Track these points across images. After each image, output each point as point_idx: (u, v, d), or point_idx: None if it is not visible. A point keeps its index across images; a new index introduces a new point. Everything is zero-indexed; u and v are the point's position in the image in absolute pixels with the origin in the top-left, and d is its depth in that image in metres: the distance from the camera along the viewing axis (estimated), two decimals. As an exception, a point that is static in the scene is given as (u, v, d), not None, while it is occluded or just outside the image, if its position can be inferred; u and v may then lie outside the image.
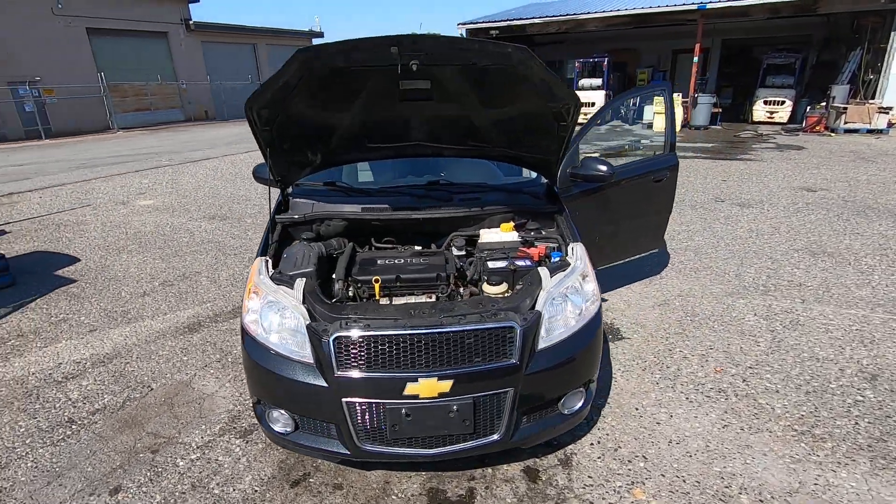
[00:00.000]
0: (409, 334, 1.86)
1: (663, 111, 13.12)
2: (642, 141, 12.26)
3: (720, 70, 20.17)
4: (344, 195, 2.66)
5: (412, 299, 2.27)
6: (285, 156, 2.42)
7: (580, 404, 2.15)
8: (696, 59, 14.34)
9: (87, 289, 4.54)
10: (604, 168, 3.01)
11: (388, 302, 2.27)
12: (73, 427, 2.66)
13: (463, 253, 2.52)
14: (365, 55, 1.83)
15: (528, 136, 2.44)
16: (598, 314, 2.18)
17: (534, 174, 2.99)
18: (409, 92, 2.11)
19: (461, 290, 2.31)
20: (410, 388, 1.84)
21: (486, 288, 2.19)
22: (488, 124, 2.34)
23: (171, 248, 5.64)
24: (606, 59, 17.08)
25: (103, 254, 5.52)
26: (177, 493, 2.19)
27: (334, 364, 1.86)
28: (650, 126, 14.41)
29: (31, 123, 19.50)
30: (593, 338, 2.12)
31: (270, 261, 2.28)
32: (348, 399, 1.88)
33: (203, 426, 2.62)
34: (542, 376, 1.97)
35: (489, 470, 2.25)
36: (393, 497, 2.13)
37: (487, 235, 2.61)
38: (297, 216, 2.58)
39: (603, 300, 3.64)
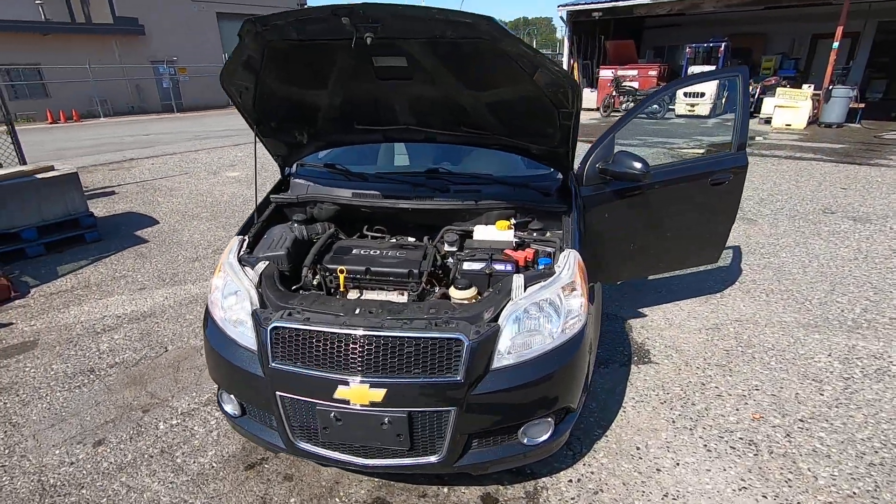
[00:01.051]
0: (345, 334, 1.71)
1: (791, 104, 11.47)
2: (756, 139, 10.81)
3: (871, 59, 17.13)
4: (340, 179, 2.56)
5: (382, 295, 2.12)
6: (275, 135, 2.36)
7: (546, 436, 1.86)
8: (835, 44, 12.26)
9: (154, 250, 4.97)
10: (638, 165, 2.59)
11: (359, 295, 2.14)
12: (91, 377, 2.89)
13: (454, 249, 2.31)
14: (318, 27, 1.67)
15: (526, 123, 2.14)
16: (582, 334, 1.87)
17: (552, 168, 2.66)
18: (384, 70, 1.93)
19: (435, 289, 2.11)
20: (341, 392, 1.70)
21: (453, 292, 1.97)
22: (479, 108, 2.08)
23: (236, 218, 6.01)
24: (723, 44, 15.25)
25: (179, 219, 6.03)
26: (145, 456, 2.27)
27: (269, 354, 1.78)
28: (768, 121, 12.67)
29: (166, 98, 22.07)
30: (569, 361, 1.82)
31: (247, 240, 2.25)
32: (281, 393, 1.78)
33: (194, 394, 2.71)
34: (494, 398, 1.72)
35: (444, 490, 2.06)
36: (336, 499, 2.02)
37: (480, 232, 2.37)
38: (291, 197, 2.53)
39: (640, 315, 3.22)
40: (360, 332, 1.70)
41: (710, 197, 3.01)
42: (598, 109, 16.25)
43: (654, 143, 10.34)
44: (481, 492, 2.05)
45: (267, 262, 2.07)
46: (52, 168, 5.13)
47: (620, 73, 16.02)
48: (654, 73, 15.80)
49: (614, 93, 15.40)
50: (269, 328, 1.78)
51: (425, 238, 2.45)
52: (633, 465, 2.16)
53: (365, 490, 2.07)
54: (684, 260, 3.24)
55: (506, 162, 2.88)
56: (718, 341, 3.09)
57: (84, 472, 2.19)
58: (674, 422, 2.41)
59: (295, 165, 2.73)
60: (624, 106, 15.40)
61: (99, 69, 19.23)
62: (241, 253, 2.15)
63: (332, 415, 1.73)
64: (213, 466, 2.21)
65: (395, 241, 2.37)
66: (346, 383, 1.70)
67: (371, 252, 2.20)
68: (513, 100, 1.99)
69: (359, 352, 1.71)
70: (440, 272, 2.21)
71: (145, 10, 20.76)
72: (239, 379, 1.88)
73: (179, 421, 2.50)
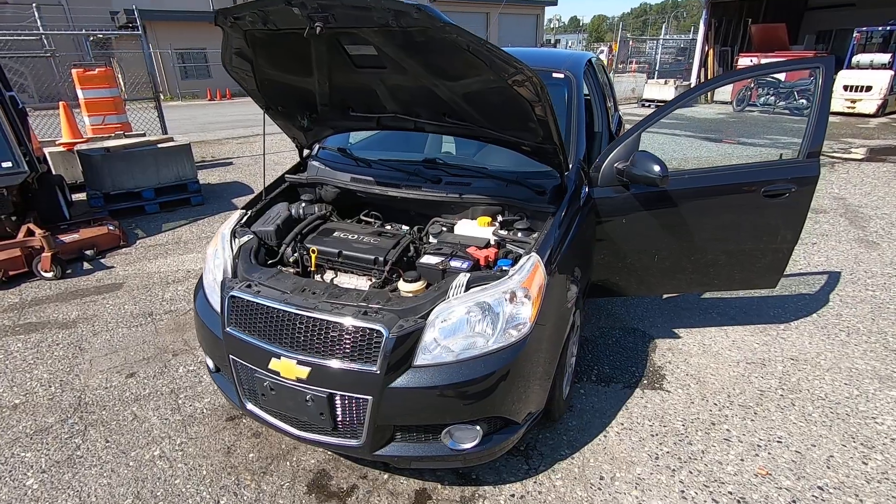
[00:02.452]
0: (282, 310, 1.81)
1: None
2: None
3: None
4: (348, 163, 2.64)
5: (353, 278, 2.19)
6: (284, 119, 2.52)
7: (471, 444, 1.79)
8: None
9: (240, 216, 5.59)
10: (656, 168, 2.31)
11: (333, 276, 2.23)
12: (148, 319, 3.39)
13: (435, 241, 2.29)
14: (279, 17, 1.74)
15: (504, 116, 2.01)
16: (522, 345, 1.75)
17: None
18: (359, 58, 1.95)
19: (397, 278, 2.11)
20: (274, 364, 1.80)
21: (401, 283, 1.96)
22: (456, 99, 2.00)
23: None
24: (908, 27, 12.52)
25: (271, 190, 6.68)
26: (157, 392, 2.63)
27: (225, 320, 1.95)
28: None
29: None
30: (502, 370, 1.72)
31: (248, 214, 2.45)
32: (233, 356, 1.95)
33: (216, 346, 3.05)
34: (412, 394, 1.70)
35: (384, 476, 2.09)
36: (288, 463, 2.16)
37: (461, 227, 2.31)
38: (301, 177, 2.68)
39: (672, 335, 2.91)
40: (293, 310, 1.79)
41: (764, 211, 2.57)
42: (730, 103, 14.44)
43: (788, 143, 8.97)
44: (418, 486, 2.04)
45: (251, 236, 2.25)
46: (171, 139, 6.00)
47: (764, 61, 13.99)
48: (807, 62, 13.53)
49: (752, 85, 13.53)
50: (227, 296, 1.94)
51: (415, 228, 2.45)
52: (587, 493, 1.99)
53: (315, 460, 2.18)
54: (729, 281, 2.81)
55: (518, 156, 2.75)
56: (756, 379, 2.66)
57: (111, 396, 2.60)
58: (657, 458, 2.15)
59: (317, 147, 2.88)
60: (762, 101, 13.49)
61: (250, 53, 21.75)
62: (237, 226, 2.35)
63: (266, 384, 1.85)
64: (202, 412, 2.48)
65: (379, 227, 2.40)
66: (279, 357, 1.80)
67: (351, 236, 2.26)
68: (483, 91, 1.88)
69: (290, 329, 1.79)
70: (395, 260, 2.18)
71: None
72: (209, 339, 2.08)
73: (195, 368, 2.84)
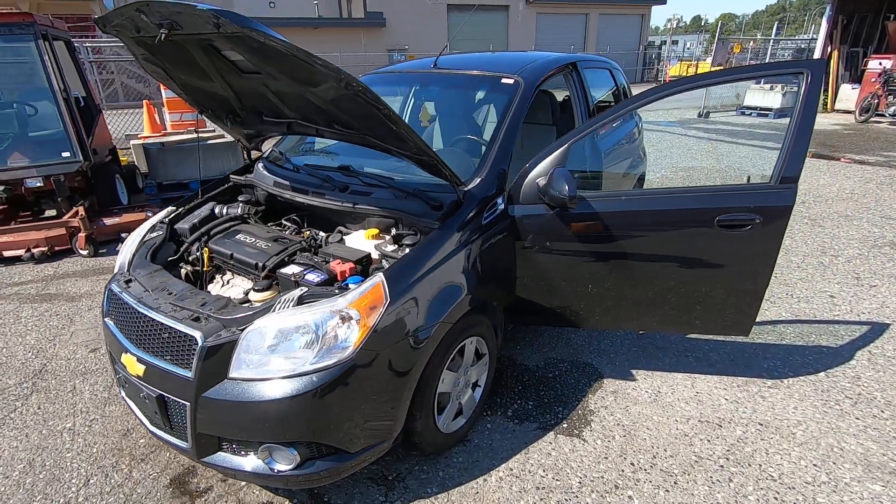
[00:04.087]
0: (133, 308, 1.87)
1: None
2: None
3: None
4: (278, 166, 2.66)
5: (241, 281, 2.21)
6: (217, 121, 2.60)
7: (287, 467, 1.71)
8: None
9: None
10: (565, 188, 2.04)
11: (230, 277, 2.26)
12: (138, 300, 3.71)
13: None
14: (141, 25, 1.79)
15: (370, 126, 1.89)
16: (343, 369, 1.63)
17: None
18: (241, 63, 1.94)
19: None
20: (123, 357, 1.87)
21: (251, 292, 1.92)
22: (329, 107, 1.92)
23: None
24: None
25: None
26: (103, 369, 2.86)
27: (102, 311, 2.06)
28: None
29: (395, 82, 25.19)
30: (314, 393, 1.62)
31: (178, 210, 2.56)
32: (108, 345, 2.05)
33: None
34: (224, 407, 1.67)
35: (241, 483, 2.07)
36: (165, 454, 2.23)
37: (352, 238, 2.22)
38: (241, 179, 2.76)
39: (625, 376, 2.60)
40: (140, 308, 1.84)
41: (720, 245, 2.16)
42: (853, 112, 12.43)
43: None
44: (266, 498, 2.00)
45: (160, 232, 2.35)
46: (222, 136, 6.54)
47: (900, 64, 11.84)
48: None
49: (880, 91, 11.54)
50: (106, 288, 2.06)
51: (312, 235, 2.35)
52: (428, 541, 1.81)
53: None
54: (684, 324, 2.40)
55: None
56: (700, 442, 2.24)
57: (67, 367, 2.88)
58: (529, 515, 1.90)
59: (271, 149, 2.94)
60: (893, 110, 11.45)
61: (347, 56, 23.06)
62: (158, 221, 2.47)
63: (119, 375, 1.92)
64: (128, 393, 2.66)
65: (278, 233, 2.36)
66: (126, 351, 1.86)
67: (250, 239, 2.27)
68: (338, 98, 1.78)
69: (136, 326, 1.85)
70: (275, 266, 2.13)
71: (388, 4, 23.88)
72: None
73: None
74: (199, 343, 1.66)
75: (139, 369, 1.81)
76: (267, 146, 2.93)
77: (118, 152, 7.20)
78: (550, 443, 2.25)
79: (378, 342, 1.70)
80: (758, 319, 3.20)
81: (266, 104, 2.24)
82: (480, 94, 2.85)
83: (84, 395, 2.64)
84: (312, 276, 1.89)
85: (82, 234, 4.47)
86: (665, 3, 30.13)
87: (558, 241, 2.26)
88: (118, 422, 2.43)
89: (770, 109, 12.92)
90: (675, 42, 51.21)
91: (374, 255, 2.08)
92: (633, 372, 2.73)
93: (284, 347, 1.66)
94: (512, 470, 2.11)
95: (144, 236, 2.36)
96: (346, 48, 23.22)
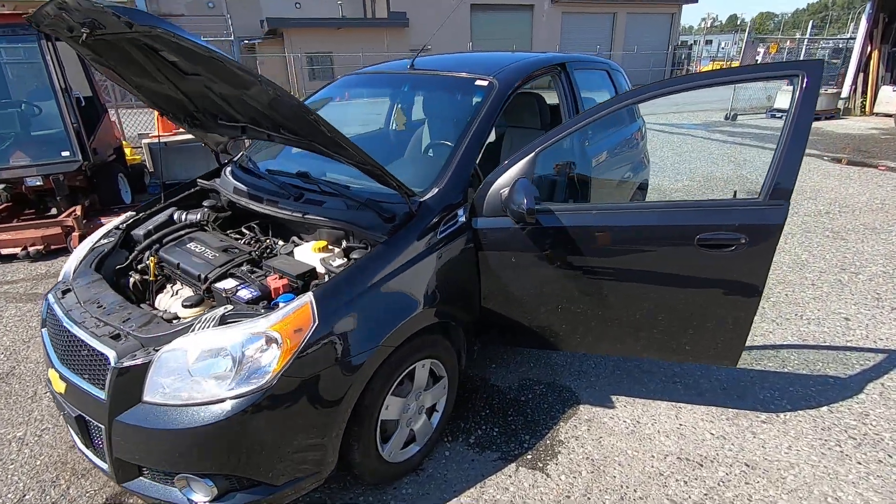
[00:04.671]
0: (58, 319, 1.79)
1: None
2: None
3: None
4: (242, 171, 2.56)
5: (189, 292, 2.11)
6: (178, 124, 2.51)
7: (206, 499, 1.59)
8: None
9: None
10: (523, 201, 1.86)
11: (180, 287, 2.17)
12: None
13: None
14: (70, 23, 1.69)
15: (312, 133, 1.75)
16: (262, 396, 1.50)
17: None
18: (178, 64, 1.83)
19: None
20: (49, 372, 1.79)
21: (181, 309, 1.81)
22: (268, 111, 1.79)
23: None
24: None
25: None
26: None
27: (41, 321, 1.99)
28: None
29: (417, 83, 25.17)
30: (228, 422, 1.49)
31: (137, 216, 2.49)
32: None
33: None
34: (137, 433, 1.55)
35: (177, 505, 1.96)
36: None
37: (300, 250, 2.09)
38: (207, 184, 2.67)
39: (604, 404, 2.43)
40: (65, 322, 1.75)
41: (700, 265, 1.95)
42: (893, 116, 11.73)
43: None
44: (199, 526, 1.88)
45: (112, 239, 2.27)
46: (226, 136, 6.52)
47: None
48: None
49: (923, 94, 10.83)
50: (45, 297, 1.98)
51: (262, 246, 2.22)
52: (358, 584, 1.66)
53: (134, 472, 2.13)
54: (665, 350, 2.18)
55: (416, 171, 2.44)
56: (676, 483, 2.03)
57: (33, 371, 2.84)
58: (473, 560, 1.73)
59: (224, 153, 2.84)
60: (937, 113, 10.73)
61: (370, 56, 23.14)
62: (114, 227, 2.40)
63: (48, 390, 1.84)
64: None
65: (229, 243, 2.24)
66: (52, 366, 1.78)
67: (200, 248, 2.17)
68: (273, 102, 1.65)
69: (61, 340, 1.76)
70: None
71: (412, 4, 23.85)
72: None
73: (116, 356, 2.99)
74: (111, 363, 1.55)
75: (61, 387, 1.72)
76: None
77: (130, 151, 7.32)
78: (510, 476, 2.08)
79: (303, 368, 1.56)
80: (760, 343, 2.95)
81: (219, 108, 2.13)
82: (454, 97, 2.68)
83: (42, 402, 2.59)
84: (245, 293, 1.77)
85: (76, 234, 4.49)
86: (697, 1, 29.23)
87: (523, 256, 2.08)
88: (68, 433, 2.36)
89: (802, 112, 12.29)
90: (708, 42, 49.80)
91: (320, 269, 1.94)
92: (613, 398, 2.53)
93: (200, 371, 1.54)
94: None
95: (96, 243, 2.29)
96: (368, 48, 23.29)
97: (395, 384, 1.89)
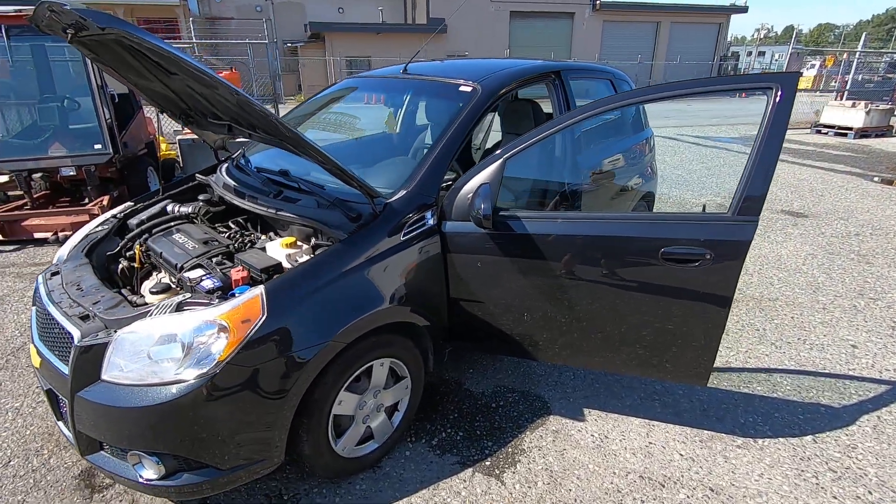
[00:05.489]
0: (41, 299, 1.91)
1: None
2: None
3: None
4: (235, 167, 2.66)
5: (164, 278, 2.21)
6: (176, 120, 2.64)
7: (154, 476, 1.66)
8: None
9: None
10: (482, 206, 1.88)
11: (164, 275, 2.28)
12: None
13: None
14: (63, 24, 1.82)
15: (279, 134, 1.82)
16: (202, 383, 1.56)
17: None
18: (160, 64, 1.94)
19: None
20: (31, 346, 1.92)
21: (149, 295, 1.90)
22: (238, 111, 1.87)
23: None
24: None
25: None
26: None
27: (33, 299, 2.13)
28: None
29: (453, 88, 25.34)
30: (171, 403, 1.56)
31: (135, 206, 2.63)
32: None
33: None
34: (94, 408, 1.64)
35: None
36: (91, 444, 2.27)
37: (271, 246, 2.16)
38: (203, 178, 2.79)
39: (574, 415, 2.43)
40: (45, 300, 1.88)
41: (665, 279, 1.90)
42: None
43: None
44: (161, 501, 1.97)
45: (108, 226, 2.41)
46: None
47: None
48: None
49: None
50: (37, 277, 2.12)
51: (241, 239, 2.30)
52: (295, 573, 1.70)
53: (111, 448, 2.25)
54: (636, 364, 2.13)
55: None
56: (633, 502, 1.97)
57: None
58: (411, 560, 1.75)
59: (222, 149, 2.96)
60: None
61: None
62: (111, 215, 2.54)
63: (32, 365, 1.97)
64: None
65: (219, 234, 2.33)
66: (32, 341, 1.91)
67: (183, 239, 2.27)
68: (240, 102, 1.73)
69: (41, 318, 1.89)
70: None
71: (451, 11, 24.08)
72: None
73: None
74: (75, 342, 1.65)
75: (38, 361, 1.84)
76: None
77: (166, 147, 7.69)
78: (465, 481, 2.08)
79: (249, 358, 1.62)
80: (753, 366, 2.84)
81: (202, 106, 2.24)
82: (439, 102, 2.72)
83: (43, 376, 2.76)
84: (208, 282, 1.85)
85: (101, 222, 4.75)
86: (746, 11, 28.27)
87: (487, 261, 2.09)
88: (60, 406, 2.51)
89: (850, 129, 11.72)
90: (761, 53, 47.99)
91: (286, 264, 2.00)
92: (586, 411, 2.48)
93: (153, 354, 1.62)
94: (414, 505, 1.96)
95: (93, 230, 2.43)
96: (406, 53, 23.63)
97: (350, 380, 1.92)
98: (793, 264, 4.33)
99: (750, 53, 41.50)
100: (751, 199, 1.76)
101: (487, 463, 2.17)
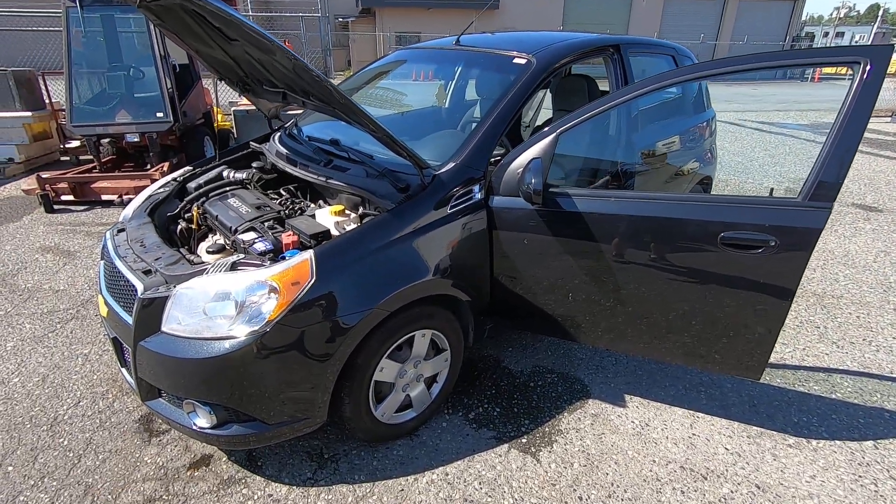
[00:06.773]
0: (108, 252, 2.03)
1: None
2: None
3: None
4: (288, 136, 2.71)
5: (220, 239, 2.30)
6: (234, 88, 2.70)
7: (207, 425, 1.76)
8: None
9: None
10: (532, 181, 1.83)
11: (216, 236, 2.37)
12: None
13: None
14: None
15: (333, 101, 1.82)
16: (252, 341, 1.62)
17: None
18: (221, 30, 1.98)
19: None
20: (98, 297, 2.05)
21: (205, 254, 1.98)
22: (294, 77, 1.88)
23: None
24: None
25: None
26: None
27: (101, 253, 2.27)
28: None
29: (502, 66, 24.81)
30: (223, 358, 1.63)
31: (194, 170, 2.73)
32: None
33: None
34: (154, 357, 1.75)
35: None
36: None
37: (320, 213, 2.19)
38: (257, 146, 2.87)
39: (615, 401, 2.39)
40: (112, 254, 1.99)
41: (723, 265, 1.81)
42: None
43: None
44: (208, 451, 2.09)
45: (166, 188, 2.53)
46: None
47: None
48: None
49: None
50: (104, 234, 2.26)
51: (291, 205, 2.36)
52: (333, 527, 1.77)
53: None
54: (685, 353, 2.05)
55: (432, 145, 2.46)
56: (673, 492, 1.93)
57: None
58: (444, 526, 1.78)
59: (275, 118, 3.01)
60: None
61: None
62: (172, 178, 2.66)
63: (99, 315, 2.11)
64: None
65: (271, 200, 2.39)
66: (100, 293, 2.04)
67: (237, 203, 2.36)
68: (296, 68, 1.74)
69: (108, 270, 2.01)
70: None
71: (505, -15, 23.47)
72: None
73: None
74: (138, 294, 1.75)
75: (105, 311, 1.97)
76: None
77: (221, 117, 7.96)
78: (500, 455, 2.09)
79: (297, 320, 1.67)
80: (811, 364, 2.69)
81: (259, 73, 2.28)
82: (492, 74, 2.65)
83: (109, 327, 2.96)
84: (260, 245, 1.91)
85: (161, 187, 4.99)
86: (827, -13, 25.98)
87: (535, 239, 2.05)
88: (123, 356, 2.69)
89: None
90: (840, 34, 44.34)
91: (334, 231, 2.04)
92: (627, 397, 2.43)
93: (209, 310, 1.69)
94: (447, 475, 1.99)
95: (155, 191, 2.55)
96: (456, 30, 23.25)
97: (392, 348, 1.96)
98: (862, 261, 4.03)
99: (826, 34, 38.39)
100: (825, 184, 1.63)
101: (524, 440, 2.17)
